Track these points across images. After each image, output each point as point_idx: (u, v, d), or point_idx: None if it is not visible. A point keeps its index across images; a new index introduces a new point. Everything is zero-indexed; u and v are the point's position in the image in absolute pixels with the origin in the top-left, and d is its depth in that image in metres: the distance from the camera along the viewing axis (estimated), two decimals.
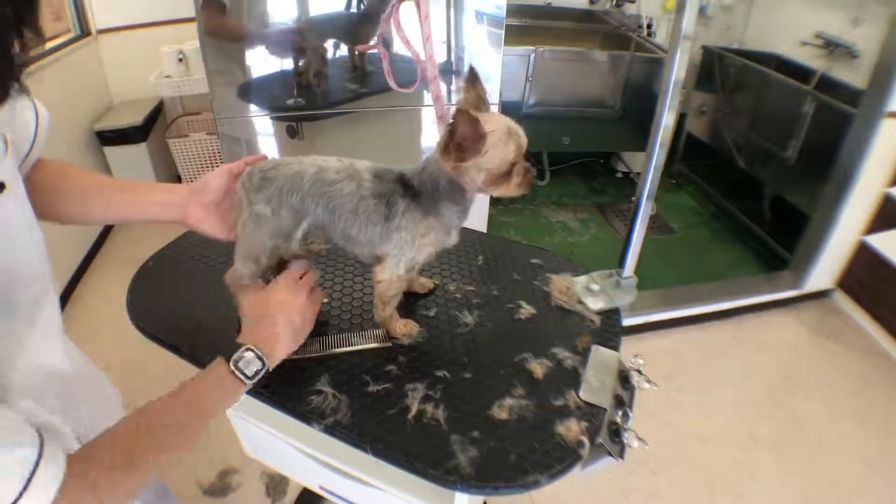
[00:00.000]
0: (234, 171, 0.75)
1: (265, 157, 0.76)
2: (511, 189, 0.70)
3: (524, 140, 0.69)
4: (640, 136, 2.74)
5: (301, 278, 0.75)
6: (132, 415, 0.55)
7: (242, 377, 0.62)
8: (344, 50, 1.76)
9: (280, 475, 1.60)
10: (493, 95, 1.91)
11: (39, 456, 0.44)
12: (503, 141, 0.67)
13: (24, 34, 0.43)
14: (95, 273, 2.48)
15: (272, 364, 0.65)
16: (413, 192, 0.72)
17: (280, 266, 0.81)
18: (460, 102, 0.71)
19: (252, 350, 0.63)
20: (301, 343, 0.72)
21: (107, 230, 2.70)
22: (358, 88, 1.81)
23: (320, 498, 1.47)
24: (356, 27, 1.72)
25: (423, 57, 0.85)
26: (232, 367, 0.61)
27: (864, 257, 2.23)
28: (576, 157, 3.37)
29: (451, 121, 0.63)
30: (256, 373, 0.63)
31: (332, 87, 1.80)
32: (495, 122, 0.67)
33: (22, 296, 0.57)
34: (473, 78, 0.71)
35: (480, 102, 0.71)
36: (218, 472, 1.62)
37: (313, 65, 1.73)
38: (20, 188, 0.56)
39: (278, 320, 0.68)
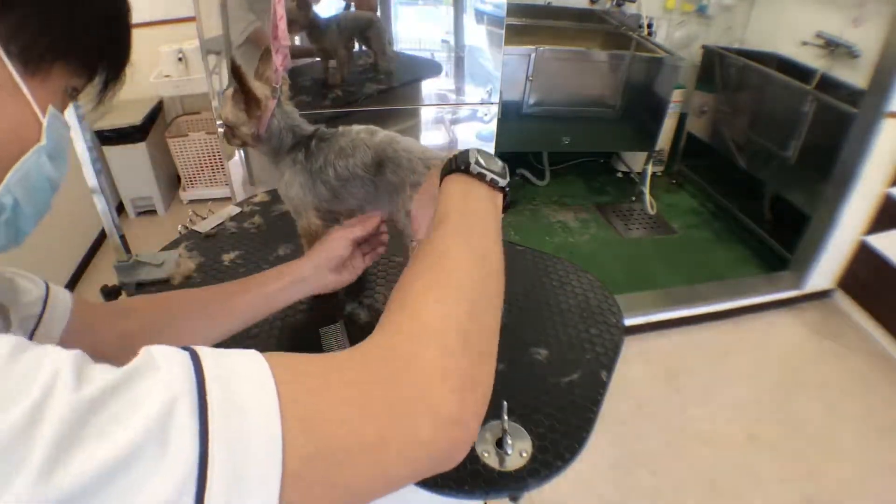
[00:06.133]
0: (354, 237, 0.76)
1: (380, 220, 0.78)
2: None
3: None
4: (641, 136, 2.73)
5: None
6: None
7: (494, 179, 0.51)
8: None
9: None
10: (493, 95, 1.90)
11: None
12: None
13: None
14: (95, 271, 2.47)
15: None
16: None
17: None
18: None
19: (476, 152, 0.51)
20: None
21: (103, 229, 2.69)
22: (358, 89, 1.81)
23: None
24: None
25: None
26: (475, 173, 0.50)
27: (865, 257, 2.22)
28: (576, 157, 3.36)
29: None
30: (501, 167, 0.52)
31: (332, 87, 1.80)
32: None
33: None
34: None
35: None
36: None
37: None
38: None
39: None
